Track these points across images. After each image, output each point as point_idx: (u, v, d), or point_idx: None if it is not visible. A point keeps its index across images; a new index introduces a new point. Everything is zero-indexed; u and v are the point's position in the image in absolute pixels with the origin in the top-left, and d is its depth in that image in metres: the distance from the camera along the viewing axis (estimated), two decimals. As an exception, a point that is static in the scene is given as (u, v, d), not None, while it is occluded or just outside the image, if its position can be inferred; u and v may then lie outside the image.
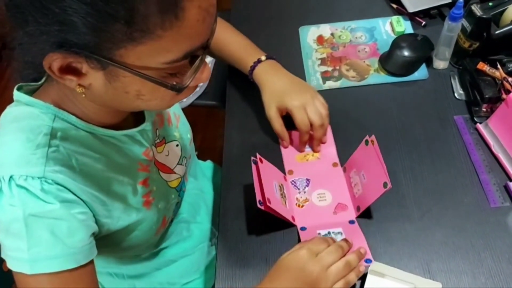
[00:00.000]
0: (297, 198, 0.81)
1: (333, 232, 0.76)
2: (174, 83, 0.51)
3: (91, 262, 0.59)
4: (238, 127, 0.93)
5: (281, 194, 0.78)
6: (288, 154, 0.87)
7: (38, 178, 0.53)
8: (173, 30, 0.45)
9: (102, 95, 0.53)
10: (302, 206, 0.80)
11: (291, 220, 0.77)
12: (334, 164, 0.85)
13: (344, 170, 0.83)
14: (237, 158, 0.87)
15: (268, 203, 0.71)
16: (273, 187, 0.76)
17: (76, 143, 0.58)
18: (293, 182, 0.83)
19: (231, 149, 0.90)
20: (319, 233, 0.76)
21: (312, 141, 0.86)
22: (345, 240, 0.71)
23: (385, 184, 0.71)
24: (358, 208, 0.77)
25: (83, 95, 0.53)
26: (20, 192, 0.52)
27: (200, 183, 0.94)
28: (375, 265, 0.70)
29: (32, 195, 0.53)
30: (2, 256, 0.56)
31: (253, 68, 0.87)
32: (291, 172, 0.84)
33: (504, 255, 0.72)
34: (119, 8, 0.42)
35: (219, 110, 1.21)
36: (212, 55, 0.94)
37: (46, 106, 0.56)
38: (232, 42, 0.91)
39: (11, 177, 0.52)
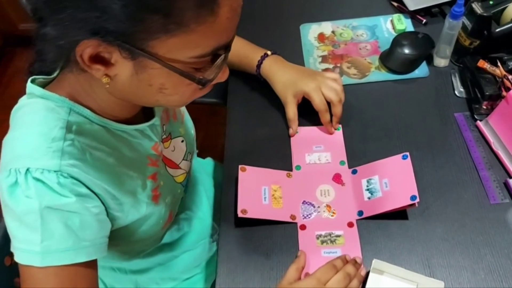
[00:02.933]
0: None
1: (333, 235, 0.76)
2: (201, 77, 0.52)
3: (96, 261, 0.59)
4: (239, 124, 0.93)
5: (272, 196, 0.79)
6: (298, 151, 0.87)
7: (55, 171, 0.53)
8: (205, 25, 0.47)
9: (125, 87, 0.54)
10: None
11: (287, 220, 0.78)
12: (342, 163, 0.85)
13: (354, 172, 0.83)
14: (238, 155, 0.88)
15: (242, 214, 0.75)
16: (261, 193, 0.79)
17: (90, 137, 0.58)
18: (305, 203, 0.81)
19: (233, 146, 0.90)
20: (320, 235, 0.76)
21: (323, 140, 0.88)
22: (353, 261, 0.71)
23: (413, 197, 0.73)
24: (360, 213, 0.78)
25: (107, 86, 0.53)
26: (36, 185, 0.53)
27: (201, 179, 0.95)
28: (377, 263, 0.70)
29: (49, 188, 0.53)
30: (11, 249, 0.56)
31: (260, 62, 0.89)
32: (299, 167, 0.85)
33: (504, 251, 0.73)
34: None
35: (221, 107, 1.22)
36: None
37: (61, 99, 0.57)
38: (236, 42, 0.91)
39: (27, 169, 0.53)
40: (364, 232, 0.76)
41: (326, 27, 1.07)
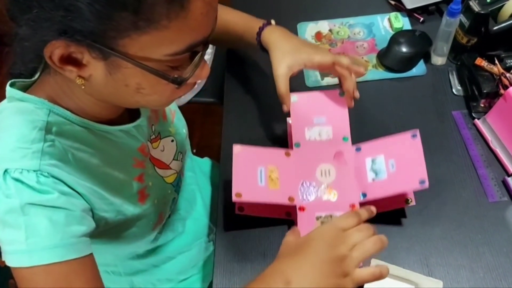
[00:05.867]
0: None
1: (334, 217, 0.72)
2: (176, 76, 0.51)
3: (91, 254, 0.58)
4: (235, 123, 0.92)
5: (270, 177, 0.74)
6: (297, 124, 0.80)
7: (34, 171, 0.52)
8: (177, 21, 0.46)
9: (101, 88, 0.53)
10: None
11: (285, 202, 0.73)
12: (345, 139, 0.78)
13: (358, 150, 0.77)
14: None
15: (237, 198, 0.69)
16: (256, 174, 0.73)
17: (72, 138, 0.57)
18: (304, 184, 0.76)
19: (229, 145, 0.89)
20: (319, 216, 0.73)
21: (325, 109, 0.79)
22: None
23: (422, 182, 0.68)
24: (363, 195, 0.73)
25: (82, 87, 0.52)
26: (16, 184, 0.52)
27: (197, 179, 0.94)
28: (376, 263, 0.70)
29: (28, 186, 0.52)
30: (2, 254, 0.55)
31: (261, 29, 0.81)
32: (298, 144, 0.79)
33: (502, 250, 0.72)
34: None
35: (218, 107, 1.21)
36: (217, 38, 0.78)
37: (40, 101, 0.56)
38: (236, 15, 0.88)
39: (5, 170, 0.52)
40: (362, 231, 0.75)
41: (323, 25, 1.06)
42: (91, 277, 0.57)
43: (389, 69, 0.96)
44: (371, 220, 0.77)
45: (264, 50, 0.82)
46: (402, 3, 1.05)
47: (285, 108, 0.78)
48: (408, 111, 0.90)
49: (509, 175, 0.80)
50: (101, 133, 0.61)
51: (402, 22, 1.03)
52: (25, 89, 0.58)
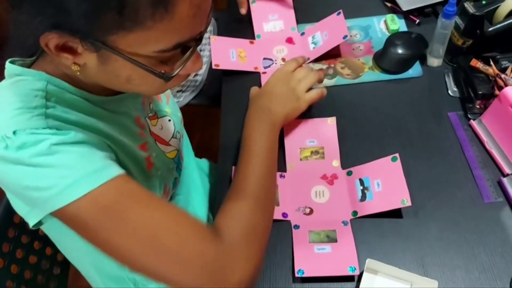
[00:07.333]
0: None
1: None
2: (163, 71, 0.52)
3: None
4: (233, 125, 0.93)
5: (239, 56, 0.99)
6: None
7: (43, 128, 0.52)
8: (163, 23, 0.47)
9: (95, 75, 0.55)
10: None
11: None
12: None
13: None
14: (232, 155, 0.88)
15: (215, 67, 0.97)
16: (229, 54, 1.00)
17: (72, 107, 0.58)
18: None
19: (227, 146, 0.90)
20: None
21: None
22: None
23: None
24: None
25: (78, 73, 0.54)
26: (30, 137, 0.51)
27: (193, 177, 0.94)
28: (371, 263, 0.70)
29: (43, 133, 0.51)
30: (35, 209, 0.54)
31: None
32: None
33: (498, 250, 0.72)
34: None
35: (217, 109, 1.22)
36: None
37: (38, 73, 0.57)
38: None
39: (14, 132, 0.51)
40: (358, 231, 0.76)
41: (319, 27, 1.07)
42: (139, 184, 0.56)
43: (385, 70, 0.97)
44: (370, 217, 0.78)
45: None
46: (398, 5, 1.06)
47: (242, 10, 1.08)
48: (404, 112, 0.91)
49: (504, 176, 0.80)
50: (100, 103, 0.62)
51: (398, 24, 1.03)
52: (25, 67, 0.59)
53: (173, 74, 0.54)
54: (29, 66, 0.60)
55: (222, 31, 1.06)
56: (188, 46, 0.52)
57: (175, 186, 0.82)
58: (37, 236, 0.90)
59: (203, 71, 1.24)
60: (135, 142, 0.68)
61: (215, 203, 0.82)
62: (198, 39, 0.53)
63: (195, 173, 0.95)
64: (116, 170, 0.54)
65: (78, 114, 0.58)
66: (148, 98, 0.74)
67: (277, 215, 0.78)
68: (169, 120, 0.81)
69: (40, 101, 0.54)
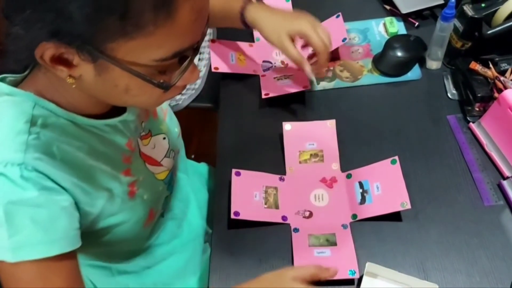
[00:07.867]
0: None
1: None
2: (162, 81, 0.52)
3: (75, 253, 0.58)
4: (231, 128, 0.93)
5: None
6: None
7: (18, 164, 0.52)
8: (164, 28, 0.46)
9: (91, 87, 0.54)
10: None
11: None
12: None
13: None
14: (230, 159, 0.87)
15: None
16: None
17: (57, 131, 0.57)
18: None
19: (225, 150, 0.90)
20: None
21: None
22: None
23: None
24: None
25: (73, 86, 0.53)
26: None
27: (190, 181, 0.94)
28: (371, 267, 0.70)
29: (11, 182, 0.52)
30: None
31: (243, 8, 0.86)
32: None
33: (498, 253, 0.72)
34: (115, 1, 0.43)
35: (215, 112, 1.21)
36: None
37: (26, 94, 0.57)
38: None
39: None
40: (358, 235, 0.75)
41: (318, 30, 1.07)
42: (71, 272, 0.58)
43: (384, 73, 0.97)
44: (370, 220, 0.77)
45: (247, 28, 0.88)
46: (397, 8, 1.06)
47: (307, 69, 0.84)
48: (403, 115, 0.91)
49: (504, 179, 0.80)
50: (87, 127, 0.62)
51: (397, 27, 1.03)
52: (15, 84, 0.59)
53: (172, 84, 0.53)
54: (20, 82, 0.59)
55: (221, 34, 1.05)
56: (186, 56, 0.52)
57: (166, 204, 0.82)
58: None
59: (202, 73, 1.24)
60: (119, 169, 0.67)
61: (213, 213, 0.81)
62: (195, 49, 0.52)
63: (191, 186, 0.94)
64: (54, 249, 0.55)
65: (61, 139, 0.58)
66: (141, 117, 0.73)
67: (277, 218, 0.78)
68: (164, 138, 0.79)
69: (24, 126, 0.54)
